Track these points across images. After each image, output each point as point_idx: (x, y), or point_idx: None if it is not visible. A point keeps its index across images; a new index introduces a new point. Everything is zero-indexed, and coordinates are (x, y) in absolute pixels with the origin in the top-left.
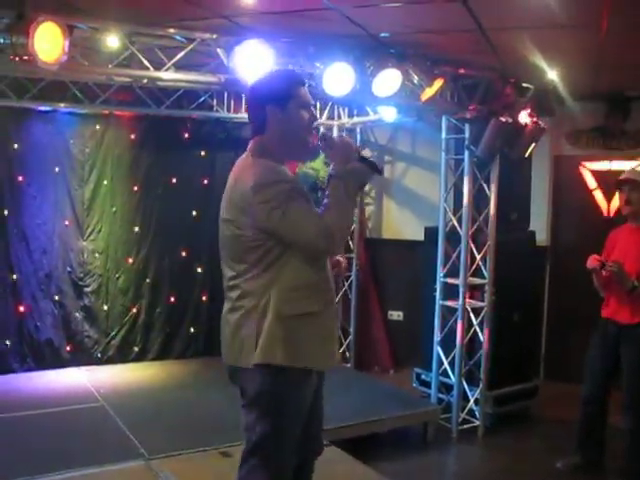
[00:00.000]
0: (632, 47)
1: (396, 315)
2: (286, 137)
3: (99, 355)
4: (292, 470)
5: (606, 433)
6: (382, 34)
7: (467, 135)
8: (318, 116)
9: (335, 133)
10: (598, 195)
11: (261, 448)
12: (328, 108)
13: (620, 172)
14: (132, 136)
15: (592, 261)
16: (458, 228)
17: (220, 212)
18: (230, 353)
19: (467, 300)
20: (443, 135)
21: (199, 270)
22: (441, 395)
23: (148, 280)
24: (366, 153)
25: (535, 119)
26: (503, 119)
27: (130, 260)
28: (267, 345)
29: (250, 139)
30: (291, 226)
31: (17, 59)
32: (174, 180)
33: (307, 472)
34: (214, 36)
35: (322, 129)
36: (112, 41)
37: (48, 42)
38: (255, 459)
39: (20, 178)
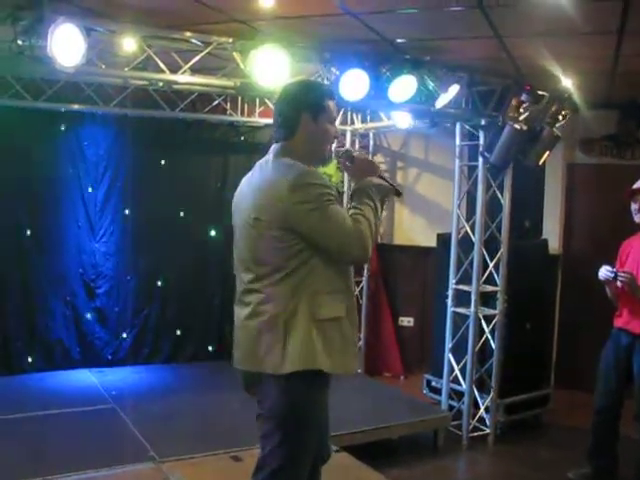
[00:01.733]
0: None
1: (407, 321)
2: (312, 147)
3: (110, 356)
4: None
5: (618, 443)
6: (398, 40)
7: (481, 142)
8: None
9: (348, 138)
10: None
11: (279, 456)
12: (341, 113)
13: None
14: (146, 139)
15: (603, 272)
16: (471, 235)
17: (237, 214)
18: (252, 359)
19: (479, 307)
20: (457, 142)
21: (211, 273)
22: (452, 402)
23: (159, 282)
24: (385, 175)
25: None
26: (518, 126)
27: (142, 262)
28: (304, 351)
29: (275, 142)
30: (328, 230)
31: (35, 61)
32: (187, 183)
33: (315, 478)
34: (230, 40)
35: (347, 146)
36: (129, 44)
37: (66, 45)
38: (272, 467)
39: (34, 179)
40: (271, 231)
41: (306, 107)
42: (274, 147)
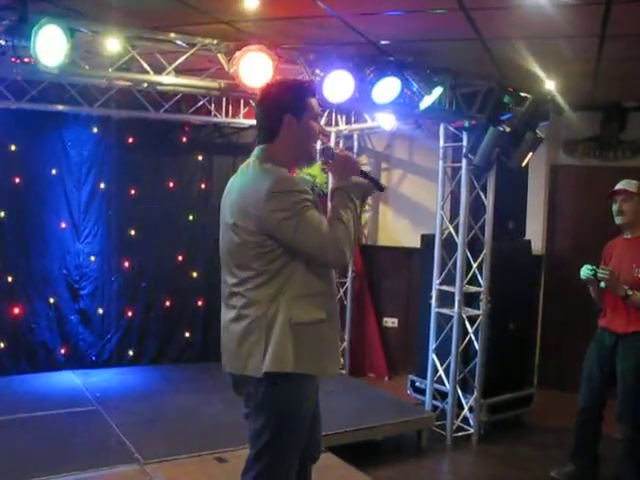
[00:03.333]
0: (629, 58)
1: (391, 322)
2: (297, 147)
3: (94, 358)
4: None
5: (601, 442)
6: (382, 42)
7: (465, 143)
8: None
9: (333, 140)
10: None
11: (267, 455)
12: (326, 115)
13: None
14: (130, 139)
15: (585, 271)
16: (455, 236)
17: (222, 217)
18: (236, 362)
19: (463, 308)
20: (441, 143)
21: (195, 275)
22: (435, 402)
23: (144, 284)
24: (366, 169)
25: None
26: (501, 128)
27: (126, 264)
28: (278, 352)
29: (256, 144)
30: (303, 238)
31: (19, 62)
32: (171, 184)
33: (305, 477)
34: (215, 41)
35: (322, 142)
36: (113, 45)
37: (50, 45)
38: (260, 466)
39: (17, 180)
40: (250, 237)
41: (288, 108)
42: (257, 150)
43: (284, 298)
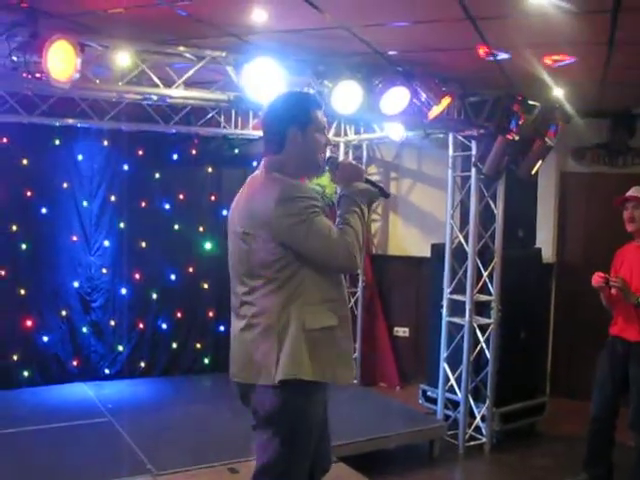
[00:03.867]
0: (637, 65)
1: (402, 331)
2: (302, 158)
3: (106, 370)
4: None
5: (614, 451)
6: (390, 52)
7: (474, 152)
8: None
9: (342, 150)
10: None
11: (274, 467)
12: (335, 125)
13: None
14: (140, 152)
15: (596, 278)
16: (465, 245)
17: (231, 227)
18: (247, 371)
19: (473, 317)
20: (450, 152)
21: (206, 286)
22: (447, 412)
23: (155, 296)
24: (371, 176)
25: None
26: (510, 137)
27: (137, 276)
28: (294, 359)
29: (263, 156)
30: (314, 243)
31: (30, 77)
32: (181, 196)
33: None
34: (224, 54)
35: (328, 152)
36: (123, 59)
37: (61, 60)
38: (270, 475)
39: (29, 193)
40: (260, 244)
41: (292, 121)
42: (264, 161)
43: (295, 305)
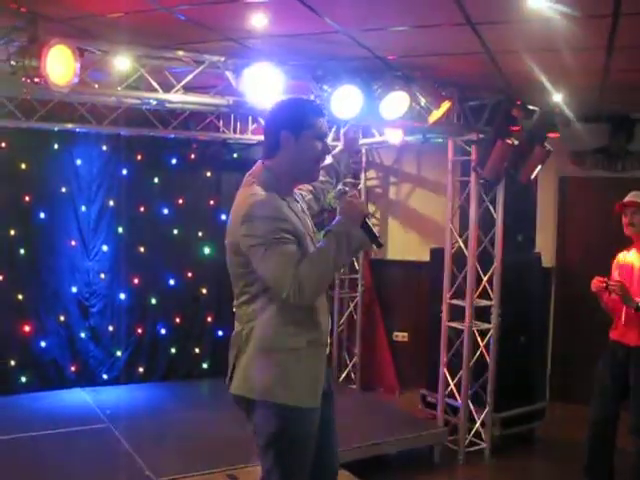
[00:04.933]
0: (637, 69)
1: (401, 336)
2: (294, 165)
3: (104, 375)
4: None
5: (614, 456)
6: (389, 57)
7: (473, 157)
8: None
9: None
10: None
11: (274, 474)
12: (334, 130)
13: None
14: (139, 157)
15: (596, 283)
16: (464, 249)
17: None
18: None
19: (473, 322)
20: (449, 157)
21: (204, 291)
22: (447, 417)
23: (153, 301)
24: (371, 221)
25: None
26: (509, 141)
27: (136, 281)
28: (242, 376)
29: (260, 160)
30: (265, 268)
31: (29, 81)
32: (180, 201)
33: None
34: (222, 58)
35: (341, 185)
36: (122, 63)
37: (59, 65)
38: None
39: (27, 198)
40: (233, 256)
41: (286, 125)
42: (255, 166)
43: (259, 321)
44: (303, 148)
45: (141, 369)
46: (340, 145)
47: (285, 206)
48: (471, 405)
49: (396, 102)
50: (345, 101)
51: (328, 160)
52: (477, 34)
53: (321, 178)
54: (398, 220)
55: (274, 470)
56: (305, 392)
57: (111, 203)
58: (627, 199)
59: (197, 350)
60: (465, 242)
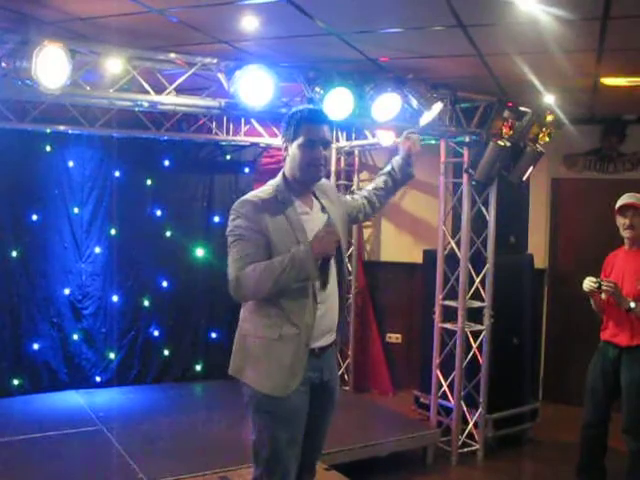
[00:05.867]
0: (628, 71)
1: (394, 338)
2: (293, 169)
3: (97, 378)
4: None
5: (607, 456)
6: (381, 59)
7: (465, 159)
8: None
9: (333, 156)
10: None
11: (255, 450)
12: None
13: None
14: (131, 159)
15: (588, 283)
16: (457, 251)
17: None
18: None
19: (466, 323)
20: (442, 159)
21: (197, 293)
22: (440, 418)
23: (146, 303)
24: (331, 263)
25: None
26: (501, 143)
27: (128, 283)
28: (232, 359)
29: None
30: (228, 258)
31: (20, 83)
32: (173, 203)
33: None
34: (215, 60)
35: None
36: (114, 65)
37: (51, 67)
38: (254, 457)
39: (19, 200)
40: None
41: (284, 134)
42: None
43: (243, 310)
44: (295, 154)
45: (134, 371)
46: (400, 152)
47: (271, 208)
48: (464, 406)
49: (388, 104)
50: (337, 102)
51: (387, 167)
52: (469, 36)
53: (374, 184)
54: (391, 222)
55: (255, 438)
56: (270, 380)
57: (104, 205)
58: (624, 201)
59: (190, 352)
60: (457, 244)
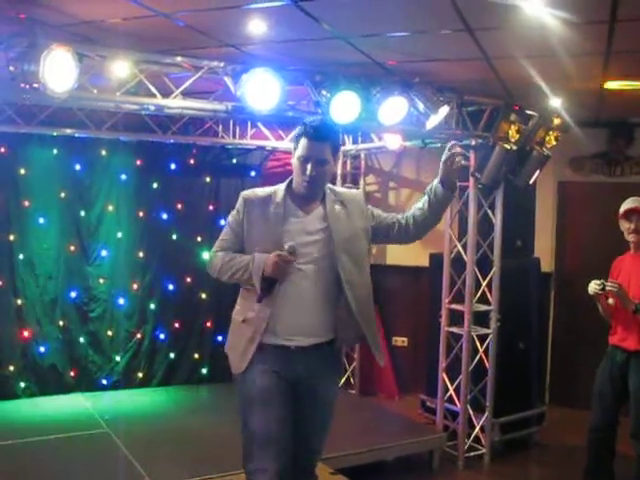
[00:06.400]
0: (635, 74)
1: (401, 341)
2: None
3: (103, 381)
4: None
5: (615, 461)
6: (388, 62)
7: (472, 162)
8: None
9: (340, 160)
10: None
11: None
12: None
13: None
14: (138, 162)
15: (593, 285)
16: (463, 254)
17: None
18: None
19: (472, 327)
20: None
21: (204, 296)
22: (446, 422)
23: (152, 306)
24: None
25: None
26: (507, 146)
27: (135, 286)
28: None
29: None
30: None
31: (28, 87)
32: (179, 206)
33: None
34: (221, 64)
35: (292, 243)
36: (120, 69)
37: (58, 70)
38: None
39: (26, 203)
40: None
41: (293, 140)
42: None
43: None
44: (293, 164)
45: (140, 374)
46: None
47: (261, 205)
48: (470, 410)
49: (395, 107)
50: (343, 106)
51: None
52: (475, 40)
53: (416, 206)
54: None
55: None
56: (233, 358)
57: (110, 208)
58: (630, 205)
59: (196, 355)
60: (464, 247)
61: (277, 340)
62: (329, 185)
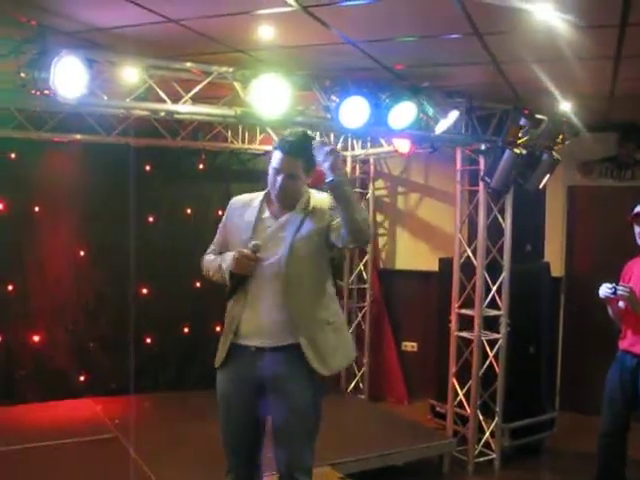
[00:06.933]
0: None
1: (410, 346)
2: None
3: (113, 385)
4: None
5: (628, 467)
6: (397, 67)
7: (482, 166)
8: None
9: (348, 164)
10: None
11: None
12: (342, 139)
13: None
14: (147, 167)
15: (603, 289)
16: (473, 259)
17: None
18: None
19: (482, 331)
20: (458, 166)
21: (213, 300)
22: (456, 427)
23: (162, 310)
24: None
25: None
26: (517, 151)
27: (144, 290)
28: None
29: None
30: None
31: (38, 93)
32: (189, 211)
33: None
34: (231, 69)
35: (256, 242)
36: (130, 75)
37: (68, 77)
38: None
39: (36, 208)
40: None
41: None
42: None
43: None
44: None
45: (150, 378)
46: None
47: (241, 208)
48: (480, 415)
49: (404, 112)
50: (353, 111)
51: None
52: (485, 44)
53: None
54: (406, 230)
55: None
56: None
57: (119, 213)
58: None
59: (206, 360)
60: (474, 252)
61: (240, 340)
62: (312, 191)
